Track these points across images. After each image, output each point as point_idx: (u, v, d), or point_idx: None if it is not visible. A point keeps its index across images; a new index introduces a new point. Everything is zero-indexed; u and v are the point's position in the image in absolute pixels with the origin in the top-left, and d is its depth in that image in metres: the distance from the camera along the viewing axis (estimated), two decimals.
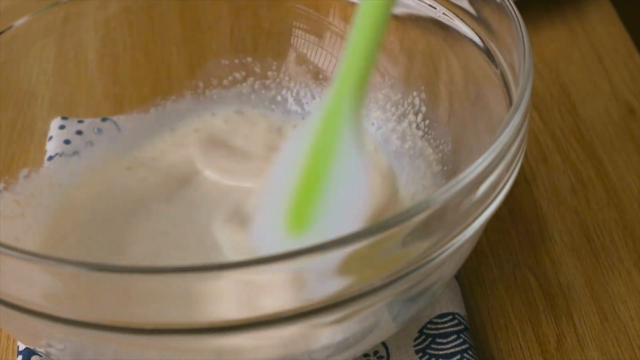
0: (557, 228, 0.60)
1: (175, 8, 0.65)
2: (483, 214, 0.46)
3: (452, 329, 0.53)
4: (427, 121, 0.59)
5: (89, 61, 0.63)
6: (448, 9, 0.56)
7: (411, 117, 0.60)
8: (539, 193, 0.62)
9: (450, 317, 0.54)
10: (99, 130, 0.62)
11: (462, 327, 0.53)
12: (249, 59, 0.64)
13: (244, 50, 0.64)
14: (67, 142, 0.62)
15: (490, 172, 0.45)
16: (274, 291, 0.41)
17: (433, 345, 0.53)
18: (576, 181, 0.63)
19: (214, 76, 0.64)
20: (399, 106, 0.61)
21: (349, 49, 0.47)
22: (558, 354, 0.54)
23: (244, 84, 0.64)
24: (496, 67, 0.52)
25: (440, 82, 0.59)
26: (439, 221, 0.44)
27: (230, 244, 0.54)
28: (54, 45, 0.62)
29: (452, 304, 0.54)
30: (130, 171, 0.60)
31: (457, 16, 0.56)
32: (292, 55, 0.64)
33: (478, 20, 0.54)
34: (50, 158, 0.61)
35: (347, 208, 0.47)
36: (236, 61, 0.64)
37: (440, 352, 0.52)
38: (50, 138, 0.62)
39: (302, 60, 0.64)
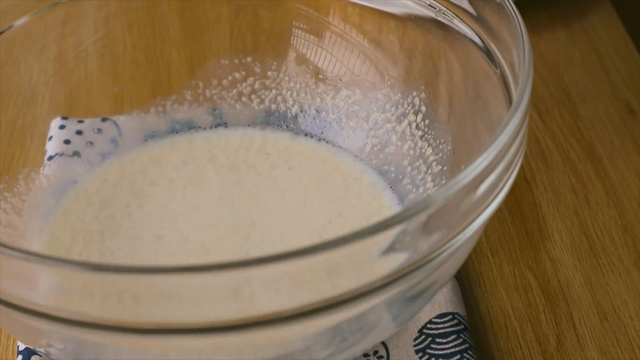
0: (557, 228, 0.60)
1: (175, 8, 0.65)
2: (483, 214, 0.46)
3: (452, 329, 0.53)
4: (426, 121, 0.59)
5: (89, 61, 0.63)
6: (448, 8, 0.56)
7: (411, 117, 0.60)
8: (539, 193, 0.62)
9: (450, 317, 0.54)
10: (99, 130, 0.63)
11: (462, 327, 0.53)
12: (249, 59, 0.64)
13: (244, 50, 0.64)
14: (67, 142, 0.62)
15: (490, 172, 0.45)
16: (273, 291, 0.42)
17: (433, 345, 0.53)
18: (576, 181, 0.63)
19: (214, 76, 0.64)
20: (399, 106, 0.61)
21: None
22: (558, 354, 0.54)
23: (244, 84, 0.64)
24: (496, 67, 0.52)
25: (440, 82, 0.59)
26: (439, 221, 0.44)
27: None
28: (54, 45, 0.62)
29: (452, 304, 0.54)
30: (130, 171, 0.60)
31: (457, 16, 0.56)
32: (292, 55, 0.64)
33: (478, 20, 0.54)
34: (50, 158, 0.61)
35: None
36: (236, 61, 0.64)
37: (440, 352, 0.52)
38: (50, 138, 0.62)
39: (302, 60, 0.64)
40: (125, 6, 0.63)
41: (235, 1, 0.65)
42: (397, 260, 0.43)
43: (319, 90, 0.63)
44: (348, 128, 0.62)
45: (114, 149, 0.62)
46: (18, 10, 0.59)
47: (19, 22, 0.59)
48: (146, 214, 0.58)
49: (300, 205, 0.58)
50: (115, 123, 0.63)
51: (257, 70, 0.64)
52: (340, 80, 0.63)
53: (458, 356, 0.52)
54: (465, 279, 0.57)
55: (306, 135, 0.63)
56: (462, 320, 0.54)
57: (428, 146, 0.59)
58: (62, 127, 0.62)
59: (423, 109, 0.60)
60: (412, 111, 0.60)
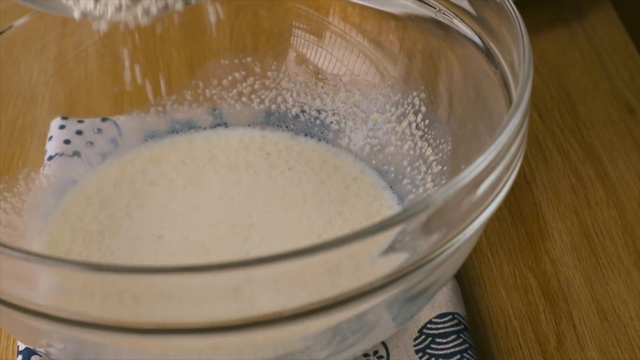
0: (557, 228, 0.60)
1: None
2: (483, 214, 0.46)
3: (452, 329, 0.53)
4: (426, 121, 0.59)
5: (89, 61, 0.63)
6: (448, 9, 0.56)
7: (411, 117, 0.60)
8: (539, 193, 0.62)
9: (450, 317, 0.54)
10: (99, 130, 0.63)
11: (462, 327, 0.53)
12: (249, 59, 0.64)
13: (244, 50, 0.64)
14: (67, 142, 0.62)
15: (490, 172, 0.45)
16: (273, 291, 0.42)
17: (433, 345, 0.53)
18: (576, 181, 0.63)
19: (214, 76, 0.64)
20: (399, 106, 0.61)
21: None
22: (558, 354, 0.54)
23: (244, 84, 0.64)
24: (496, 67, 0.52)
25: (440, 82, 0.59)
26: (439, 221, 0.44)
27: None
28: (54, 45, 0.62)
29: (452, 304, 0.54)
30: (130, 171, 0.60)
31: (457, 16, 0.56)
32: (292, 55, 0.64)
33: (478, 20, 0.54)
34: (50, 158, 0.61)
35: None
36: (236, 61, 0.64)
37: (440, 352, 0.52)
38: (50, 138, 0.62)
39: (302, 60, 0.64)
40: None
41: (235, 1, 0.65)
42: (397, 260, 0.43)
43: (319, 91, 0.63)
44: (348, 128, 0.62)
45: (114, 149, 0.62)
46: (18, 10, 0.59)
47: (19, 22, 0.59)
48: (146, 214, 0.58)
49: (300, 205, 0.58)
50: (115, 123, 0.63)
51: (257, 70, 0.64)
52: (340, 80, 0.63)
53: (458, 356, 0.52)
54: (465, 279, 0.57)
55: (306, 135, 0.63)
56: (462, 320, 0.54)
57: (428, 146, 0.59)
58: (62, 127, 0.62)
59: (423, 109, 0.60)
60: (412, 111, 0.60)
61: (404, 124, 0.60)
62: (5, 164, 0.59)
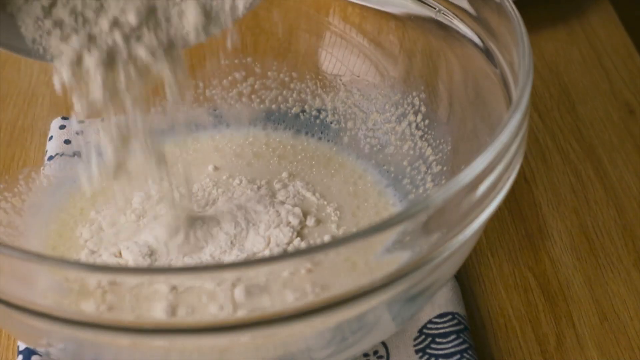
0: (557, 228, 0.60)
1: None
2: (483, 214, 0.46)
3: (452, 329, 0.53)
4: (426, 121, 0.59)
5: None
6: (448, 9, 0.56)
7: (411, 117, 0.60)
8: (539, 193, 0.62)
9: (450, 317, 0.54)
10: (99, 131, 0.62)
11: (462, 327, 0.53)
12: (249, 59, 0.64)
13: (244, 50, 0.64)
14: (67, 142, 0.62)
15: (489, 172, 0.45)
16: (273, 291, 0.42)
17: (433, 345, 0.53)
18: (576, 181, 0.63)
19: (214, 76, 0.64)
20: (399, 106, 0.61)
21: None
22: (558, 354, 0.54)
23: (244, 84, 0.64)
24: (496, 67, 0.52)
25: (439, 82, 0.59)
26: (439, 221, 0.44)
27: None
28: None
29: (452, 304, 0.54)
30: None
31: (457, 16, 0.56)
32: (292, 55, 0.64)
33: (478, 20, 0.54)
34: (51, 158, 0.61)
35: None
36: (236, 61, 0.64)
37: (440, 352, 0.52)
38: (51, 138, 0.62)
39: (302, 60, 0.64)
40: None
41: None
42: (397, 260, 0.43)
43: (319, 90, 0.63)
44: (348, 128, 0.62)
45: None
46: None
47: None
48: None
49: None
50: None
51: (257, 70, 0.64)
52: (340, 80, 0.63)
53: (458, 356, 0.52)
54: (465, 279, 0.58)
55: (307, 134, 0.63)
56: (462, 320, 0.54)
57: (428, 146, 0.59)
58: (62, 127, 0.62)
59: (423, 109, 0.60)
60: (412, 111, 0.60)
61: (404, 124, 0.60)
62: (5, 164, 0.59)
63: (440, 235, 0.44)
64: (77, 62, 0.49)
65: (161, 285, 0.41)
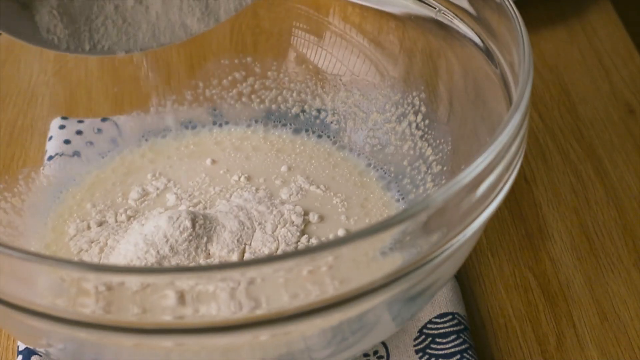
0: (557, 228, 0.60)
1: None
2: (483, 214, 0.46)
3: (452, 329, 0.53)
4: (426, 121, 0.59)
5: (89, 61, 0.63)
6: (448, 8, 0.56)
7: (411, 117, 0.60)
8: (539, 193, 0.62)
9: (450, 317, 0.54)
10: (99, 130, 0.63)
11: (462, 327, 0.53)
12: (249, 59, 0.64)
13: (244, 50, 0.64)
14: (67, 142, 0.62)
15: (490, 172, 0.45)
16: (274, 291, 0.42)
17: (433, 345, 0.53)
18: (576, 181, 0.63)
19: (214, 76, 0.64)
20: (399, 106, 0.61)
21: None
22: (558, 354, 0.54)
23: (244, 84, 0.64)
24: (496, 67, 0.52)
25: (440, 82, 0.59)
26: (439, 221, 0.44)
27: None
28: None
29: (452, 304, 0.54)
30: (130, 171, 0.61)
31: (457, 16, 0.56)
32: (292, 55, 0.64)
33: (478, 20, 0.54)
34: (50, 158, 0.61)
35: None
36: (236, 61, 0.64)
37: (440, 352, 0.52)
38: (50, 138, 0.62)
39: (302, 60, 0.64)
40: None
41: None
42: (397, 260, 0.43)
43: (319, 90, 0.63)
44: (348, 128, 0.62)
45: (114, 148, 0.62)
46: None
47: None
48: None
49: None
50: (115, 123, 0.63)
51: (257, 70, 0.64)
52: (340, 80, 0.63)
53: (458, 356, 0.52)
54: (465, 279, 0.58)
55: (307, 131, 0.63)
56: (462, 320, 0.54)
57: (428, 146, 0.59)
58: (62, 127, 0.62)
59: (423, 109, 0.60)
60: (412, 111, 0.60)
61: (404, 124, 0.60)
62: (5, 164, 0.59)
63: (441, 235, 0.44)
64: None
65: (166, 285, 0.41)
